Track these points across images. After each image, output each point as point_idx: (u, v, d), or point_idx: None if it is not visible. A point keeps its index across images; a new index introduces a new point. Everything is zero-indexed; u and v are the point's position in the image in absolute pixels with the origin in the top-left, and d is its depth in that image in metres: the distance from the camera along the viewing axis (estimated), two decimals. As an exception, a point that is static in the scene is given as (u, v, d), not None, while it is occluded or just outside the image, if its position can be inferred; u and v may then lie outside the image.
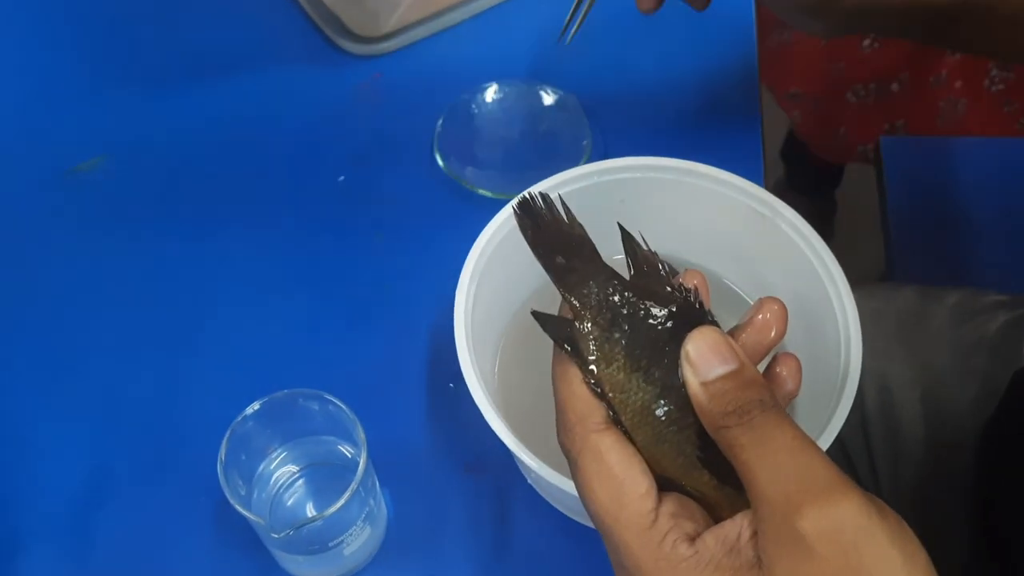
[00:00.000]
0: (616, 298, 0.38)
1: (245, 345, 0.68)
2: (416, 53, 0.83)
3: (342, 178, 0.76)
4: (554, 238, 0.40)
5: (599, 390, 0.37)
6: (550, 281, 0.40)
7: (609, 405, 0.37)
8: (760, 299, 0.41)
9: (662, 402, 0.37)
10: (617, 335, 0.37)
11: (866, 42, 1.24)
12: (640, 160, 0.62)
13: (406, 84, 0.81)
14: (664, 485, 0.37)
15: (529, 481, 0.62)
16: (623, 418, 0.37)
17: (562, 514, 0.61)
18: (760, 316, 0.41)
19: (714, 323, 0.38)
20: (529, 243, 0.40)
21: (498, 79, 0.79)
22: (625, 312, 0.38)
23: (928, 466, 0.78)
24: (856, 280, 0.58)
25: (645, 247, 0.39)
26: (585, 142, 0.75)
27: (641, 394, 0.37)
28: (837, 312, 0.57)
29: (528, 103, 0.78)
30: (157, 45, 0.84)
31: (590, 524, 0.59)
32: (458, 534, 0.61)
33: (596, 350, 0.37)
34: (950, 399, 0.79)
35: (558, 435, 0.39)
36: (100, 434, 0.64)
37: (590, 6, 0.67)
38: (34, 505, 0.62)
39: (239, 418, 0.54)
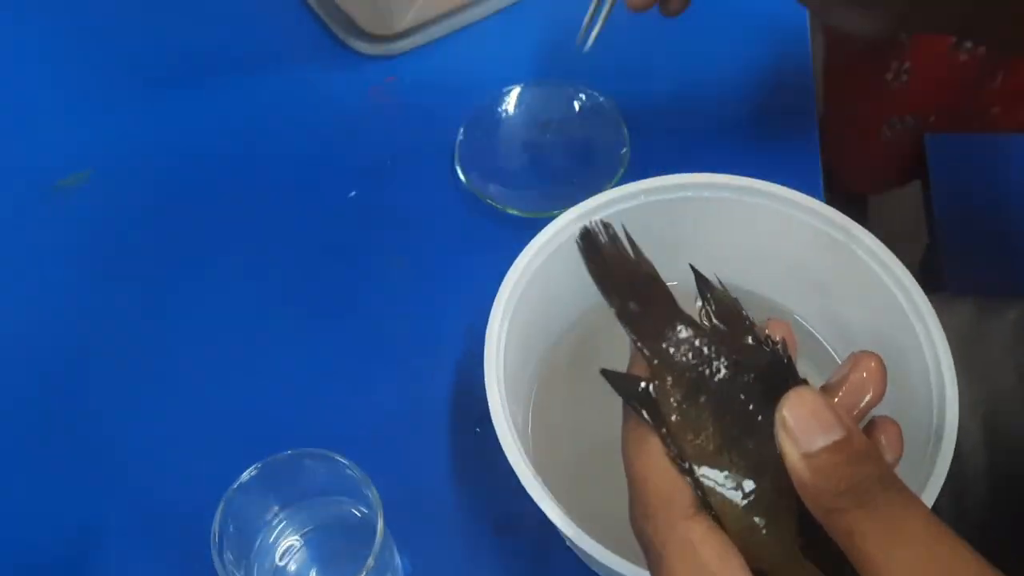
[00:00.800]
0: (701, 350, 0.33)
1: (244, 388, 0.60)
2: (433, 53, 0.75)
3: (353, 194, 0.68)
4: (622, 276, 0.35)
5: (685, 466, 0.31)
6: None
7: (696, 484, 0.31)
8: (854, 355, 0.35)
9: (757, 479, 0.31)
10: (703, 398, 0.32)
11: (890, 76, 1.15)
12: (691, 177, 0.55)
13: (423, 87, 0.74)
14: None
15: (568, 544, 0.55)
16: (712, 499, 0.31)
17: (606, 583, 0.54)
18: (855, 375, 0.35)
19: (805, 382, 0.32)
20: (599, 286, 0.35)
21: (524, 81, 0.71)
22: (711, 369, 0.33)
23: (996, 497, 0.73)
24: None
25: (723, 291, 0.35)
26: (623, 151, 0.67)
27: (735, 470, 0.31)
28: (928, 356, 0.50)
29: (558, 108, 0.71)
30: (148, 49, 0.78)
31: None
32: (488, 605, 0.54)
33: (680, 417, 0.32)
34: (1017, 424, 0.74)
35: (633, 519, 0.33)
36: (84, 493, 0.57)
37: (611, 7, 0.60)
38: (9, 572, 0.55)
39: (234, 486, 0.46)
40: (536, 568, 0.54)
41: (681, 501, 0.31)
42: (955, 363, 0.74)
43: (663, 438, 0.32)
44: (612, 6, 0.60)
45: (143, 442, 0.58)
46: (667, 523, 0.31)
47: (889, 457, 0.35)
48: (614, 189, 0.55)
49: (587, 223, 0.36)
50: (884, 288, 0.51)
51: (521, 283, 0.52)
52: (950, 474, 0.72)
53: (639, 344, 0.33)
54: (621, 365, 0.57)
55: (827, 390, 0.35)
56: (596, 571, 0.54)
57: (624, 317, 0.34)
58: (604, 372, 0.33)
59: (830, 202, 0.56)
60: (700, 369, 0.32)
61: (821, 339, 0.58)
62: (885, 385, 0.36)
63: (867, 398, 0.35)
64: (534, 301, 0.53)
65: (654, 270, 0.35)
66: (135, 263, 0.66)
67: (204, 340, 0.62)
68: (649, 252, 0.58)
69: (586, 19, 0.60)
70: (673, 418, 0.32)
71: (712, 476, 0.31)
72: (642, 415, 0.32)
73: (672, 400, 0.32)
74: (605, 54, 0.74)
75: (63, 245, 0.67)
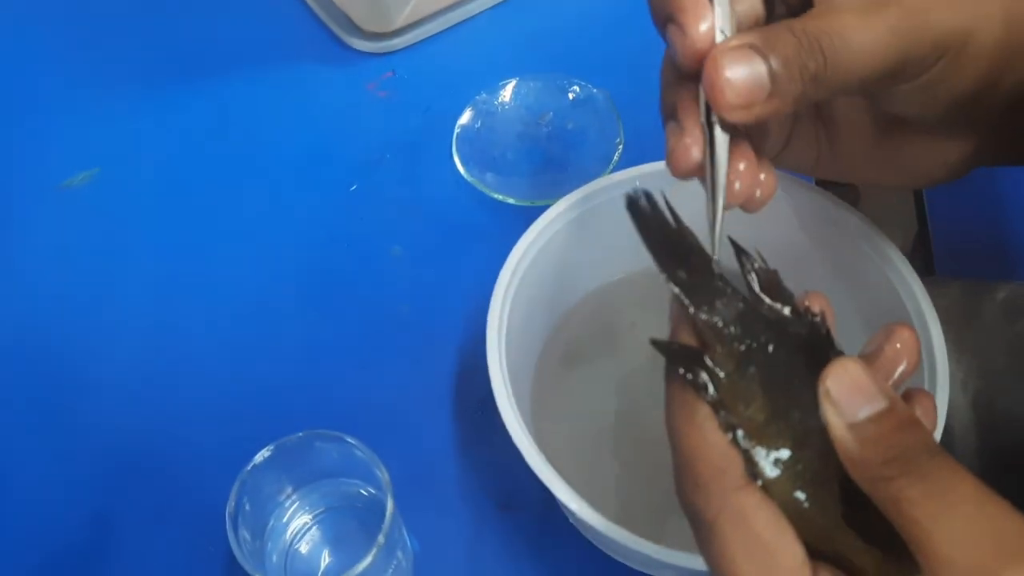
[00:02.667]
0: (750, 321, 0.33)
1: (253, 375, 0.62)
2: (431, 49, 0.77)
3: (354, 187, 0.70)
4: (670, 244, 0.34)
5: (736, 436, 0.31)
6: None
7: (746, 455, 0.31)
8: (888, 325, 0.36)
9: (803, 450, 0.31)
10: (753, 369, 0.32)
11: None
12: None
13: (421, 83, 0.75)
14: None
15: (572, 520, 0.56)
16: (758, 471, 0.31)
17: (610, 558, 0.55)
18: (889, 347, 0.35)
19: (843, 354, 0.33)
20: (652, 252, 0.34)
21: (520, 75, 0.73)
22: (759, 341, 0.32)
23: (985, 476, 0.72)
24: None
25: (764, 263, 0.34)
26: (617, 140, 0.69)
27: (782, 440, 0.31)
28: (919, 335, 0.51)
29: (553, 100, 0.72)
30: (151, 49, 0.79)
31: (643, 570, 0.54)
32: (493, 580, 0.55)
33: (732, 387, 0.32)
34: (1006, 403, 0.74)
35: (682, 491, 0.32)
36: (97, 479, 0.58)
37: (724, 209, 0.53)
38: (25, 559, 0.56)
39: (248, 467, 0.48)
40: (540, 544, 0.56)
41: (733, 472, 0.31)
42: (945, 343, 0.74)
43: (714, 408, 0.31)
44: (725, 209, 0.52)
45: (154, 432, 0.60)
46: (719, 495, 0.31)
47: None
48: (609, 175, 0.56)
49: (628, 191, 0.35)
50: (876, 269, 0.53)
51: (521, 266, 0.53)
52: (942, 453, 0.73)
53: (693, 310, 0.32)
54: (624, 346, 0.59)
55: (864, 359, 0.35)
56: (599, 546, 0.55)
57: (678, 281, 0.33)
58: (656, 342, 0.33)
59: (820, 186, 0.57)
60: (748, 340, 0.32)
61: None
62: (919, 356, 0.36)
63: (901, 369, 0.35)
64: (534, 284, 0.55)
65: (697, 240, 0.35)
66: (143, 258, 0.67)
67: (212, 332, 0.64)
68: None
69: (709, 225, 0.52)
70: (725, 388, 0.31)
71: (760, 447, 0.31)
72: (697, 384, 0.31)
73: (723, 369, 0.32)
74: (599, 47, 0.75)
75: (71, 244, 0.68)
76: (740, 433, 0.31)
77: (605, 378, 0.60)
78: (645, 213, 0.35)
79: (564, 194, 0.55)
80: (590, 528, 0.47)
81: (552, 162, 0.70)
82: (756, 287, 0.34)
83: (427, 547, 0.55)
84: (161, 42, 0.78)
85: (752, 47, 0.34)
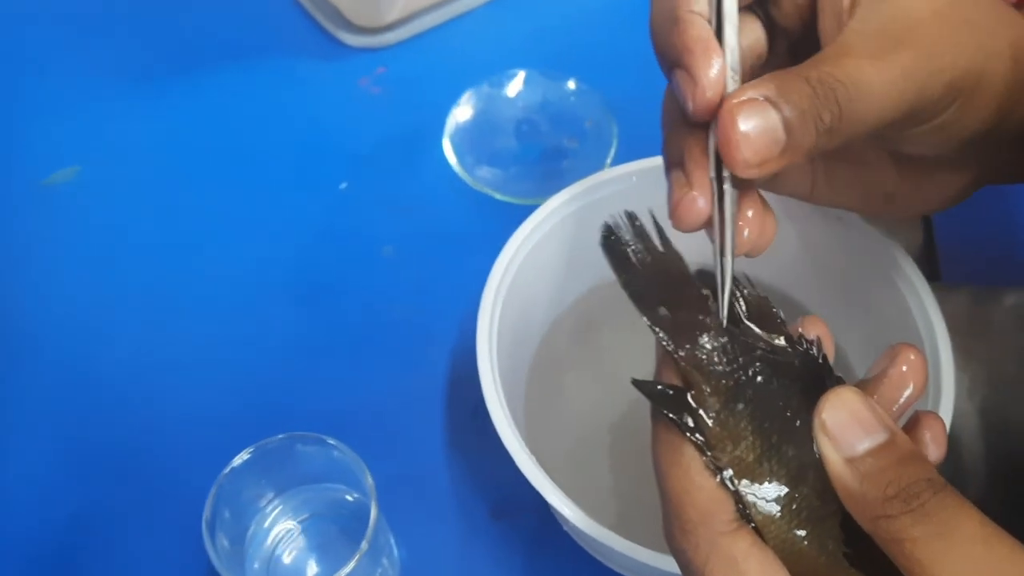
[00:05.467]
0: (736, 356, 0.31)
1: (239, 377, 0.60)
2: (423, 44, 0.75)
3: (344, 185, 0.68)
4: (652, 278, 0.32)
5: (725, 477, 0.30)
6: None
7: (738, 496, 0.30)
8: (894, 347, 0.33)
9: (799, 487, 0.30)
10: (742, 406, 0.30)
11: None
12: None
13: (413, 79, 0.73)
14: None
15: (565, 528, 0.54)
16: (752, 512, 0.30)
17: (605, 567, 0.53)
18: (894, 369, 0.33)
19: (843, 383, 0.31)
20: (625, 288, 0.32)
21: (512, 70, 0.71)
22: (747, 375, 0.31)
23: (994, 484, 0.72)
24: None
25: (754, 290, 0.32)
26: (612, 137, 0.67)
27: (776, 479, 0.30)
28: (925, 338, 0.49)
29: (546, 96, 0.71)
30: (136, 45, 0.77)
31: (639, 580, 0.52)
32: (485, 591, 0.53)
33: (719, 427, 0.30)
34: (1015, 410, 0.72)
35: (670, 536, 0.31)
36: (73, 485, 0.56)
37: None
38: (3, 563, 0.54)
39: (226, 471, 0.46)
40: (533, 552, 0.54)
41: (722, 515, 0.30)
42: (953, 350, 0.73)
43: (700, 449, 0.30)
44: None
45: (136, 433, 0.58)
46: (708, 540, 0.30)
47: (934, 455, 0.33)
48: (605, 171, 0.54)
49: (608, 218, 0.33)
50: (882, 273, 0.51)
51: (513, 267, 0.52)
52: (949, 460, 0.71)
53: (676, 352, 0.31)
54: (619, 348, 0.57)
55: (866, 385, 0.33)
56: (594, 554, 0.53)
57: (657, 323, 0.31)
58: (636, 382, 0.31)
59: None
60: (736, 375, 0.31)
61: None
62: (926, 378, 0.34)
63: (908, 393, 0.33)
64: (526, 285, 0.53)
65: (685, 267, 0.33)
66: (126, 257, 0.65)
67: (197, 332, 0.62)
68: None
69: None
70: (711, 428, 0.30)
71: (752, 487, 0.30)
72: (681, 426, 0.30)
73: (709, 409, 0.30)
74: (590, 44, 0.74)
75: (53, 242, 0.67)
76: (728, 474, 0.30)
77: (601, 382, 0.58)
78: (621, 247, 0.33)
79: (557, 191, 0.53)
80: (585, 535, 0.46)
81: (546, 158, 0.68)
82: (744, 318, 0.32)
83: (415, 555, 0.53)
84: (147, 38, 0.77)
85: (768, 100, 0.32)
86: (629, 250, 0.33)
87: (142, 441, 0.57)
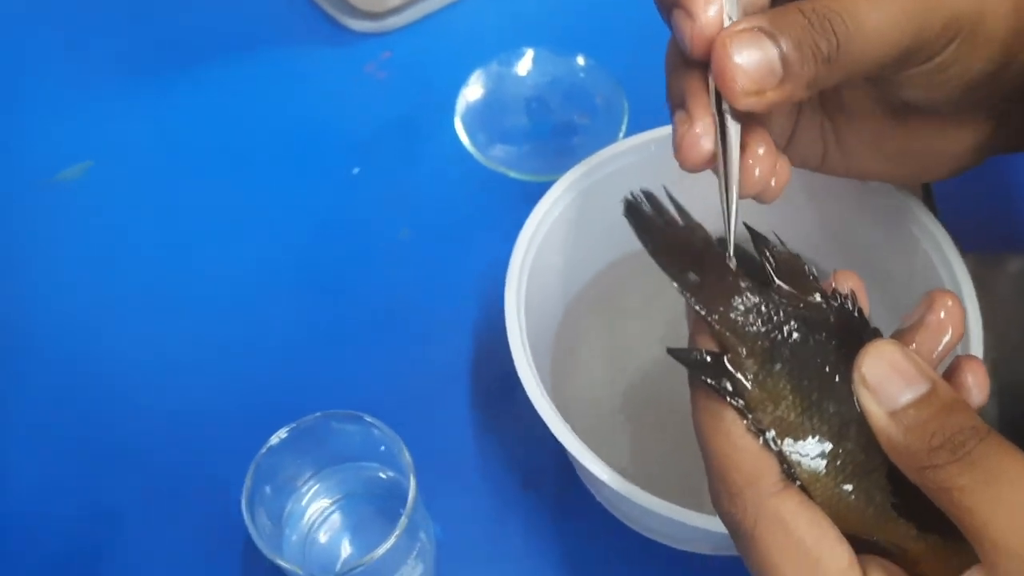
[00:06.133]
0: (770, 316, 0.31)
1: (265, 363, 0.60)
2: (429, 27, 0.75)
3: (357, 170, 0.68)
4: (676, 245, 0.32)
5: (768, 438, 0.30)
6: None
7: (782, 457, 0.30)
8: (930, 293, 0.33)
9: (843, 442, 0.30)
10: (779, 366, 0.30)
11: None
12: (700, 125, 0.54)
13: (421, 62, 0.73)
14: (853, 545, 0.29)
15: (598, 498, 0.54)
16: (797, 470, 0.30)
17: (637, 533, 0.53)
18: (932, 316, 0.33)
19: (879, 334, 0.31)
20: (654, 256, 0.32)
21: (519, 48, 0.71)
22: (782, 334, 0.31)
23: None
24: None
25: (783, 248, 0.32)
26: (623, 111, 0.67)
27: (818, 436, 0.30)
28: (947, 284, 0.50)
29: (555, 73, 0.71)
30: (143, 38, 0.76)
31: (671, 544, 0.53)
32: (519, 561, 0.54)
33: (758, 388, 0.30)
34: (1023, 374, 0.73)
35: (717, 500, 0.31)
36: (104, 472, 0.57)
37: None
38: (31, 556, 0.54)
39: (264, 449, 0.46)
40: (564, 520, 0.54)
41: (768, 477, 0.30)
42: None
43: (741, 413, 0.30)
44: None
45: (165, 422, 0.58)
46: (755, 501, 0.30)
47: (978, 398, 0.33)
48: (619, 143, 0.54)
49: (627, 195, 0.33)
50: (906, 231, 0.51)
51: (535, 241, 0.52)
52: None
53: (708, 317, 0.31)
54: (646, 315, 0.58)
55: (903, 334, 0.33)
56: (622, 519, 0.54)
57: (688, 290, 0.31)
58: (672, 351, 0.31)
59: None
60: (771, 335, 0.31)
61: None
62: (964, 323, 0.34)
63: (947, 339, 0.33)
64: (550, 255, 0.53)
65: (707, 234, 0.33)
66: (143, 248, 0.66)
67: (221, 321, 0.62)
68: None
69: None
70: (750, 391, 0.30)
71: (796, 446, 0.30)
72: (721, 391, 0.30)
73: (747, 371, 0.30)
74: (598, 20, 0.74)
75: (66, 238, 0.67)
76: (772, 434, 0.30)
77: (621, 354, 0.58)
78: (645, 217, 0.33)
79: (571, 167, 0.54)
80: (619, 497, 0.46)
81: (558, 134, 0.68)
82: (775, 276, 0.32)
83: (449, 529, 0.54)
84: (154, 31, 0.77)
85: (761, 30, 0.33)
86: (652, 222, 0.33)
87: (177, 430, 0.57)
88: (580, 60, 0.70)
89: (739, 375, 0.30)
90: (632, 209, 0.33)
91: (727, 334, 0.31)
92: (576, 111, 0.69)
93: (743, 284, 0.31)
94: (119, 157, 0.70)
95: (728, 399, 0.30)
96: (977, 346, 0.48)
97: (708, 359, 0.31)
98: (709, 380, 0.30)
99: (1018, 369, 0.73)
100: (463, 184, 0.66)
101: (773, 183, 0.38)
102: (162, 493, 0.56)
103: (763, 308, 0.31)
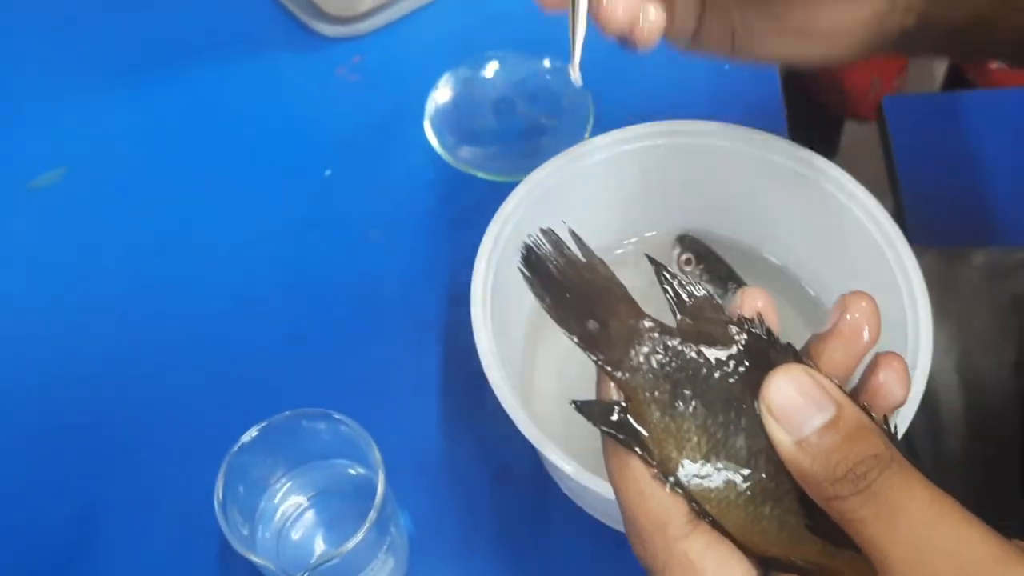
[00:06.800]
0: (671, 359, 0.31)
1: (237, 364, 0.61)
2: (399, 31, 0.76)
3: (328, 172, 0.69)
4: (576, 293, 0.31)
5: (674, 482, 0.30)
6: None
7: (689, 496, 0.30)
8: (843, 297, 0.33)
9: (751, 473, 0.30)
10: (682, 407, 0.30)
11: None
12: (662, 126, 0.56)
13: (391, 66, 0.74)
14: (770, 564, 0.30)
15: (564, 490, 0.56)
16: (708, 506, 0.30)
17: (604, 524, 0.55)
18: (848, 317, 0.32)
19: (791, 351, 0.31)
20: (549, 312, 0.31)
21: (488, 52, 0.73)
22: (685, 374, 0.30)
23: (972, 436, 0.73)
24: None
25: (685, 278, 0.32)
26: (587, 111, 0.68)
27: (725, 472, 0.30)
28: (900, 283, 0.51)
29: (522, 75, 0.72)
30: (115, 45, 0.77)
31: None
32: (490, 553, 0.55)
33: (661, 433, 0.30)
34: (989, 363, 0.75)
35: (632, 544, 0.31)
36: (81, 473, 0.57)
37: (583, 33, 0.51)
38: (9, 558, 0.55)
39: (235, 448, 0.47)
40: (535, 515, 0.55)
41: (675, 520, 0.30)
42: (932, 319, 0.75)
43: (644, 460, 0.30)
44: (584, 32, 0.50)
45: (137, 424, 0.59)
46: (664, 546, 0.30)
47: (898, 393, 0.33)
48: (587, 141, 0.56)
49: (526, 239, 0.32)
50: (855, 220, 0.53)
51: (501, 238, 0.53)
52: (927, 416, 0.73)
53: (606, 368, 0.31)
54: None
55: (818, 343, 0.33)
56: (591, 512, 0.55)
57: (585, 343, 0.31)
58: (575, 403, 0.30)
59: (803, 139, 0.57)
60: (674, 377, 0.30)
61: (795, 275, 0.59)
62: (879, 322, 0.33)
63: (864, 339, 0.33)
64: (516, 257, 0.54)
65: (609, 272, 0.32)
66: (117, 253, 0.66)
67: (192, 323, 0.63)
68: (624, 209, 0.59)
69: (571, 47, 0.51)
70: (654, 435, 0.30)
71: (705, 483, 0.30)
72: (624, 441, 0.30)
73: (651, 418, 0.30)
74: (566, 21, 0.75)
75: (42, 243, 0.67)
76: (680, 476, 0.30)
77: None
78: (541, 269, 0.32)
79: (538, 167, 0.55)
80: (582, 491, 0.47)
81: (525, 135, 0.69)
82: (678, 311, 0.31)
83: (421, 524, 0.55)
84: (126, 37, 0.77)
85: None
86: (551, 265, 0.32)
87: (148, 432, 0.58)
88: (546, 63, 0.71)
89: (640, 424, 0.30)
90: (528, 258, 0.32)
91: (628, 382, 0.30)
92: (543, 112, 0.70)
93: (644, 325, 0.31)
94: (93, 163, 0.71)
95: (631, 448, 0.30)
96: (927, 339, 0.49)
97: (610, 410, 0.30)
98: (610, 431, 0.30)
99: (983, 362, 0.74)
100: (433, 185, 0.67)
101: (644, 28, 0.40)
102: (138, 493, 0.56)
103: (664, 349, 0.31)
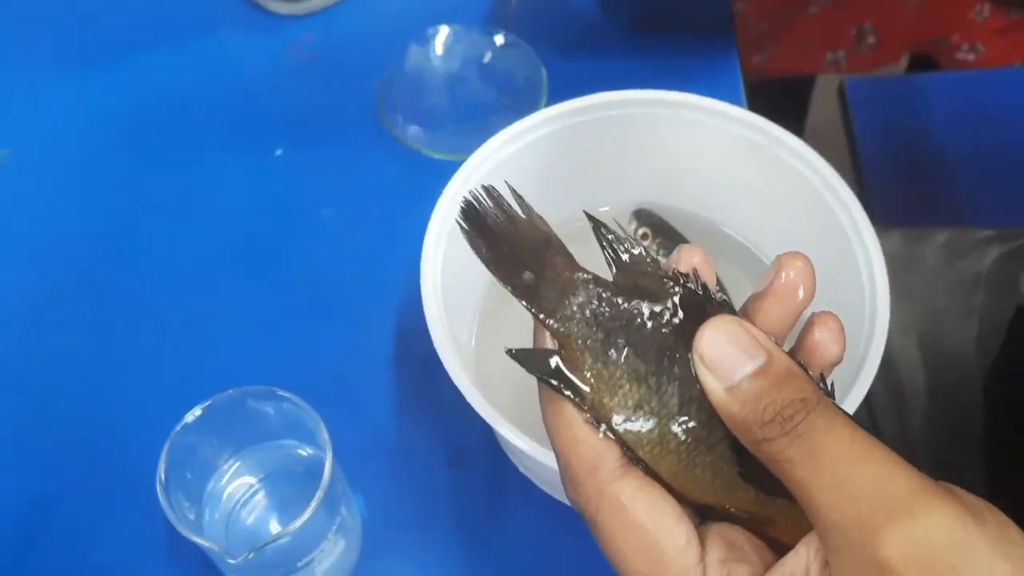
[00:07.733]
0: (604, 309, 0.31)
1: (183, 343, 0.60)
2: (350, 9, 0.75)
3: (279, 152, 0.68)
4: (514, 246, 0.32)
5: (606, 427, 0.30)
6: None
7: (621, 442, 0.30)
8: (778, 257, 0.33)
9: (683, 420, 0.30)
10: (615, 355, 0.31)
11: None
12: (614, 95, 0.55)
13: (342, 43, 0.73)
14: (704, 512, 0.30)
15: (521, 469, 0.55)
16: (641, 452, 0.30)
17: (561, 503, 0.54)
18: (782, 276, 0.33)
19: (726, 305, 0.31)
20: (485, 262, 0.32)
21: (439, 27, 0.71)
22: (619, 323, 0.31)
23: (935, 413, 0.74)
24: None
25: (623, 233, 0.32)
26: (541, 88, 0.67)
27: (657, 419, 0.30)
28: (857, 250, 0.51)
29: (474, 49, 0.71)
30: (63, 26, 0.76)
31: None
32: (446, 537, 0.54)
33: (594, 379, 0.31)
34: (951, 341, 0.76)
35: (566, 489, 0.32)
36: (29, 459, 0.56)
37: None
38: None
39: (178, 428, 0.46)
40: (491, 498, 0.54)
41: (606, 465, 0.30)
42: (889, 288, 0.76)
43: (576, 406, 0.31)
44: None
45: (84, 407, 0.58)
46: (595, 489, 0.30)
47: (834, 350, 0.33)
48: (537, 113, 0.55)
49: (466, 194, 0.32)
50: (810, 187, 0.52)
51: (451, 215, 0.52)
52: (891, 393, 0.73)
53: (540, 316, 0.31)
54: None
55: (754, 302, 0.34)
56: (550, 491, 0.54)
57: (520, 292, 0.31)
58: (509, 352, 0.31)
59: (766, 110, 0.56)
60: (609, 325, 0.31)
61: (754, 249, 0.59)
62: (814, 280, 0.34)
63: (799, 297, 0.33)
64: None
65: (547, 228, 0.33)
66: (62, 236, 0.65)
67: (142, 299, 0.62)
68: (579, 179, 0.58)
69: None
70: (588, 383, 0.31)
71: (637, 428, 0.30)
72: (557, 388, 0.31)
73: (584, 366, 0.31)
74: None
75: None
76: (613, 422, 0.30)
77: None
78: (480, 216, 0.32)
79: (488, 143, 0.54)
80: (539, 468, 0.46)
81: (478, 111, 0.69)
82: (614, 264, 0.32)
83: (375, 506, 0.54)
84: (74, 19, 0.76)
85: None
86: (489, 220, 0.32)
87: (92, 416, 0.57)
88: (499, 39, 0.70)
89: (572, 372, 0.31)
90: (468, 211, 0.32)
91: (561, 330, 0.31)
92: (496, 89, 0.69)
93: (580, 277, 0.31)
94: (38, 144, 0.69)
95: (565, 394, 0.30)
96: (884, 312, 0.49)
97: (545, 358, 0.31)
98: (543, 377, 0.31)
99: (945, 339, 0.74)
100: (384, 164, 0.66)
101: None
102: (87, 478, 0.55)
103: (598, 300, 0.31)
